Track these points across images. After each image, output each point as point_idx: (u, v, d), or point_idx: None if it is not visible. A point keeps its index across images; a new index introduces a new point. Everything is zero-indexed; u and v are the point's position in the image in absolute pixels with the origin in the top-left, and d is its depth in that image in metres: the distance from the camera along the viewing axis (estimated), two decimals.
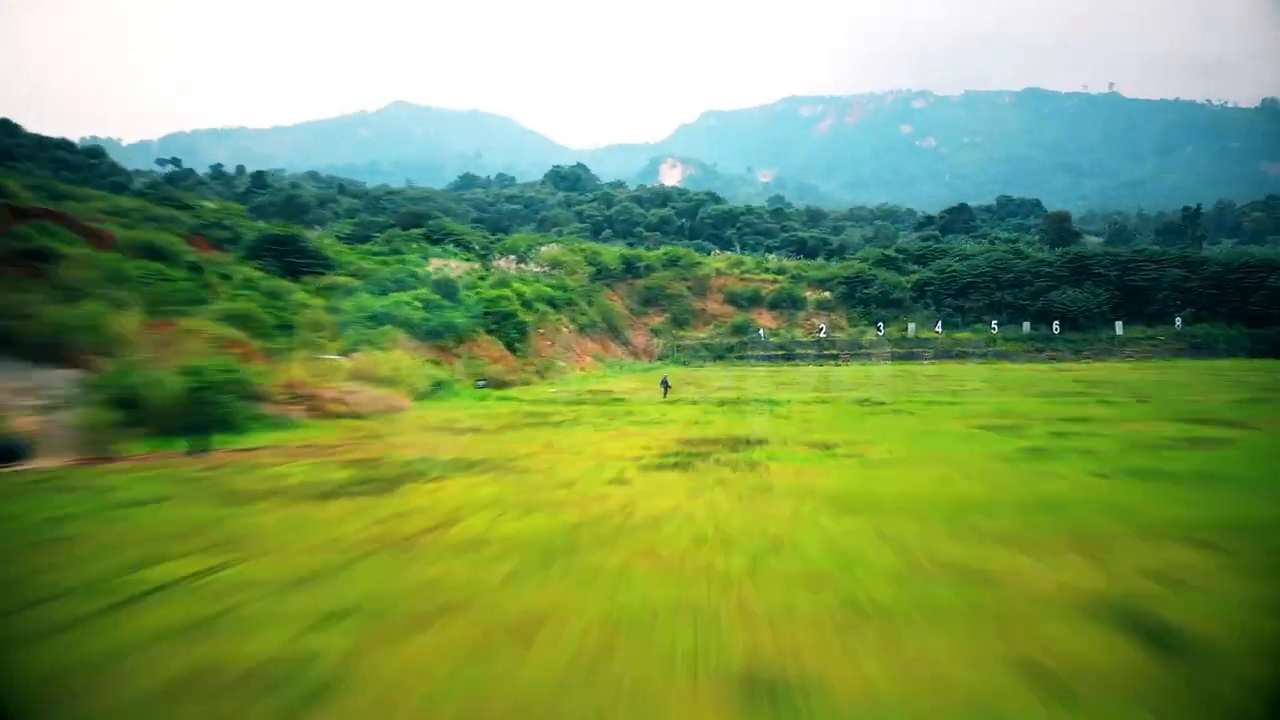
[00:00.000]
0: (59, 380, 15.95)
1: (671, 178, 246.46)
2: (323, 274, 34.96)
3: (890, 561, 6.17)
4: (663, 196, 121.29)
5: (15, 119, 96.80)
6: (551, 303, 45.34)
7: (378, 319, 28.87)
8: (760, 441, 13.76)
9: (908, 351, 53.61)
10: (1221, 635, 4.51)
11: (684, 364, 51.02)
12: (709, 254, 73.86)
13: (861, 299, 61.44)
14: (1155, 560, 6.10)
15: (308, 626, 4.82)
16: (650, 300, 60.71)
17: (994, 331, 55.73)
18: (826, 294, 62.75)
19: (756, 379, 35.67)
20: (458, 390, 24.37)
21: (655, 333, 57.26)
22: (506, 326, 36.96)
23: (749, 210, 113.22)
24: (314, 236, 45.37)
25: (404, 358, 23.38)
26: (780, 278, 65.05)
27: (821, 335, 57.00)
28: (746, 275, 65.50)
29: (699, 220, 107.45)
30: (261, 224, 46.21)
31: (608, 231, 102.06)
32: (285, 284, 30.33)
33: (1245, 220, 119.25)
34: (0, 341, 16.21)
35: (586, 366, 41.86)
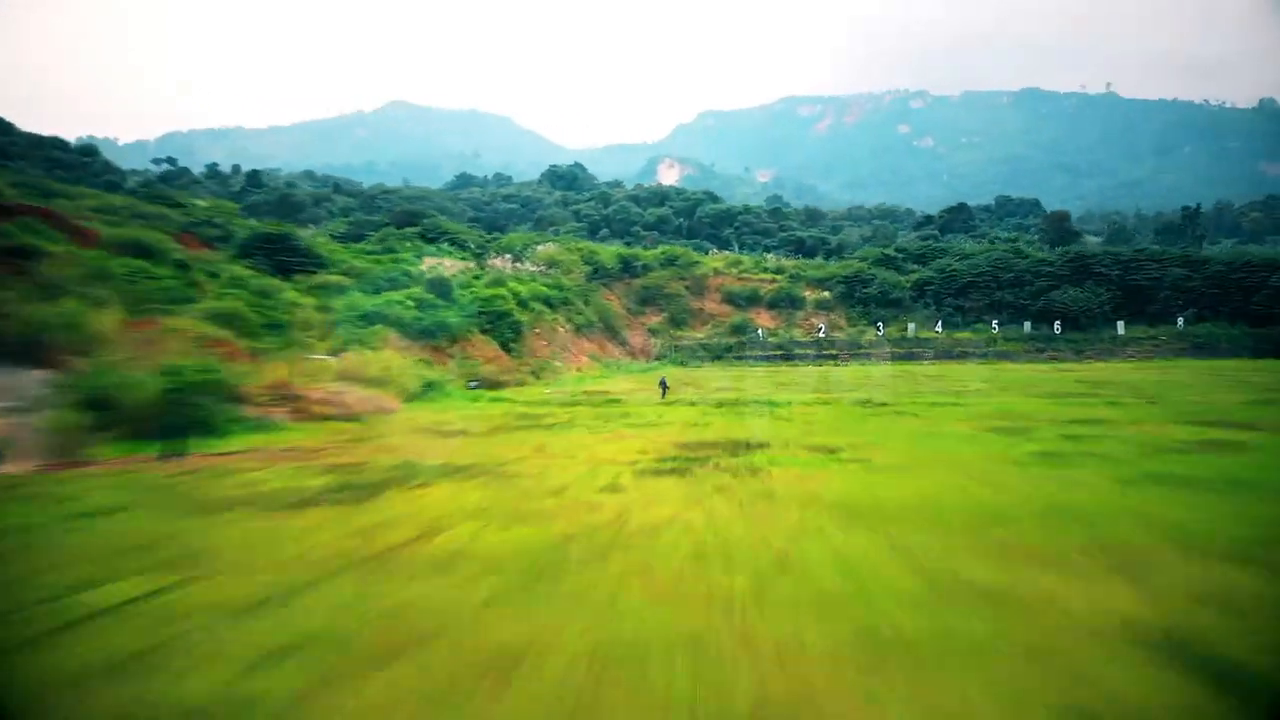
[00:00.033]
0: (33, 381, 15.35)
1: (669, 178, 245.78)
2: (315, 273, 34.32)
3: (908, 582, 5.61)
4: (660, 196, 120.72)
5: (14, 118, 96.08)
6: (547, 302, 44.74)
7: (369, 318, 28.27)
8: (761, 445, 13.20)
9: (907, 352, 53.10)
10: None
11: (681, 364, 50.46)
12: (707, 253, 73.29)
13: (861, 299, 60.92)
14: (1200, 580, 5.55)
15: (255, 662, 4.25)
16: (647, 300, 60.13)
17: (994, 331, 55.24)
18: (825, 294, 62.22)
19: (755, 379, 35.12)
20: (449, 391, 23.76)
21: (652, 332, 56.69)
22: (501, 326, 36.36)
23: (747, 210, 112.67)
24: (307, 235, 44.70)
25: (394, 358, 22.77)
26: (779, 277, 64.50)
27: (820, 335, 56.47)
28: (745, 275, 64.94)
29: (697, 220, 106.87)
30: (253, 222, 45.59)
31: (605, 231, 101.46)
32: (275, 283, 29.70)
33: (1244, 220, 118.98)
34: None
35: (583, 367, 41.28)
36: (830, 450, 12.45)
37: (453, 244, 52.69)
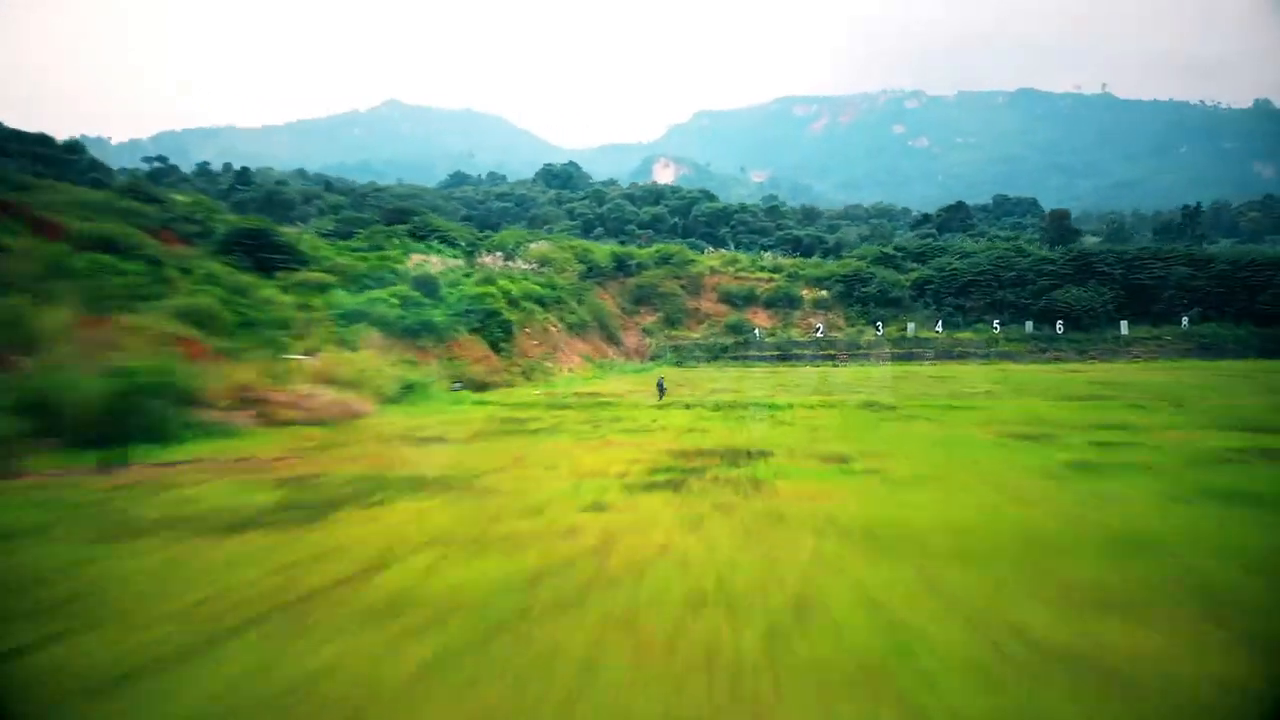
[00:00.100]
0: None
1: (665, 177, 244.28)
2: (297, 270, 33.01)
3: (959, 638, 4.45)
4: (655, 194, 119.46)
5: (14, 118, 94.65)
6: (540, 301, 43.47)
7: (350, 317, 27.01)
8: (763, 454, 12.03)
9: (907, 352, 51.99)
10: None
11: (677, 364, 49.29)
12: (703, 252, 72.10)
13: (859, 298, 59.79)
14: None
15: None
16: (642, 299, 58.91)
17: (996, 331, 54.15)
18: (823, 293, 61.08)
19: (754, 380, 33.98)
20: (432, 393, 22.53)
21: (647, 332, 55.47)
22: (491, 325, 35.09)
23: (743, 208, 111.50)
24: (294, 233, 43.36)
25: (370, 357, 21.52)
26: (776, 276, 63.33)
27: (819, 335, 55.36)
28: (741, 274, 63.76)
29: (692, 218, 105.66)
30: (233, 218, 44.21)
31: (599, 230, 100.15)
32: (253, 279, 28.43)
33: (1242, 220, 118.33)
34: None
35: (575, 367, 40.06)
36: (840, 460, 11.30)
37: (443, 241, 51.31)
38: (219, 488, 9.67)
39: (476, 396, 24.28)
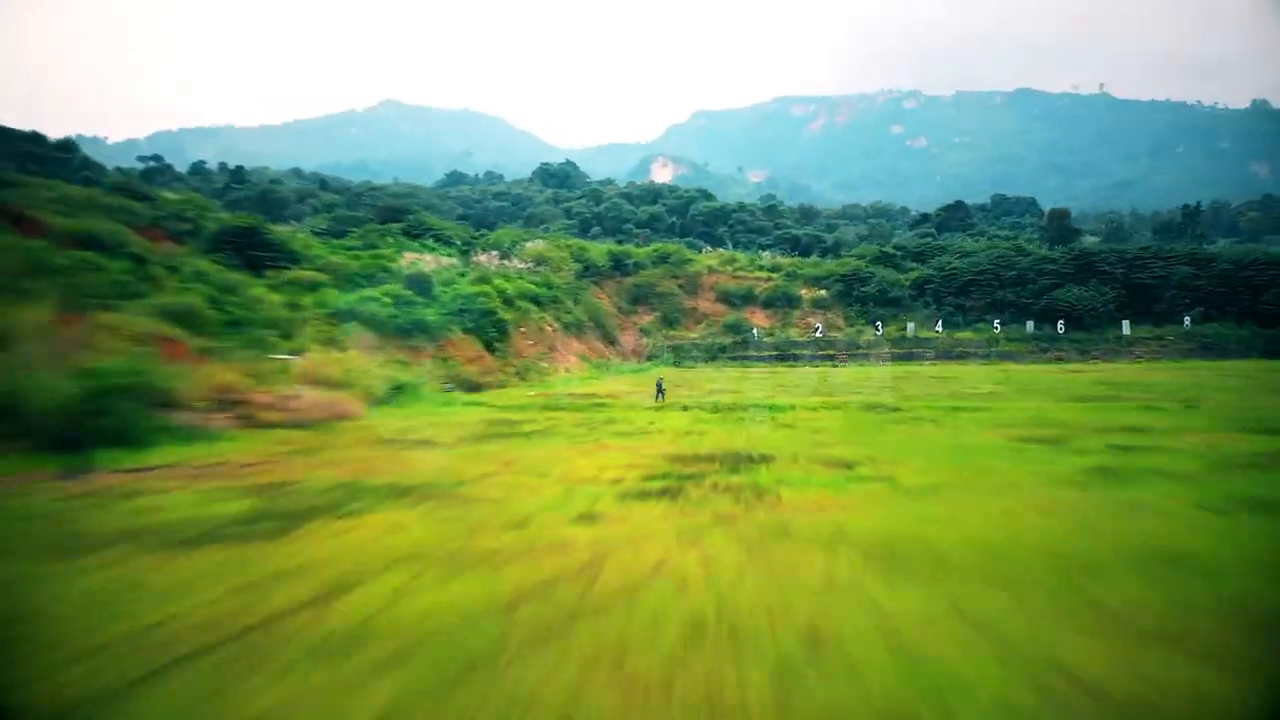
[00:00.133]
0: None
1: (662, 177, 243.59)
2: (287, 268, 32.39)
3: (996, 678, 3.88)
4: (653, 193, 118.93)
5: (14, 118, 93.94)
6: (535, 300, 42.89)
7: (340, 315, 26.41)
8: (765, 458, 11.47)
9: (907, 352, 51.49)
10: None
11: (675, 364, 48.73)
12: (701, 251, 71.56)
13: (859, 297, 59.28)
14: None
15: None
16: (640, 299, 58.36)
17: (996, 331, 53.67)
18: (822, 292, 60.57)
19: (753, 381, 33.43)
20: (423, 394, 21.93)
21: (645, 332, 54.90)
22: (485, 325, 34.50)
23: (741, 207, 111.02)
24: (287, 231, 42.74)
25: (358, 358, 20.92)
26: (774, 275, 62.82)
27: (818, 335, 54.84)
28: (739, 273, 63.25)
29: (690, 218, 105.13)
30: (224, 216, 43.55)
31: (596, 229, 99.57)
32: (242, 278, 27.81)
33: (1241, 220, 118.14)
34: None
35: (571, 367, 39.48)
36: (846, 465, 10.74)
37: (438, 240, 50.69)
38: (185, 497, 9.08)
39: (469, 397, 23.69)
